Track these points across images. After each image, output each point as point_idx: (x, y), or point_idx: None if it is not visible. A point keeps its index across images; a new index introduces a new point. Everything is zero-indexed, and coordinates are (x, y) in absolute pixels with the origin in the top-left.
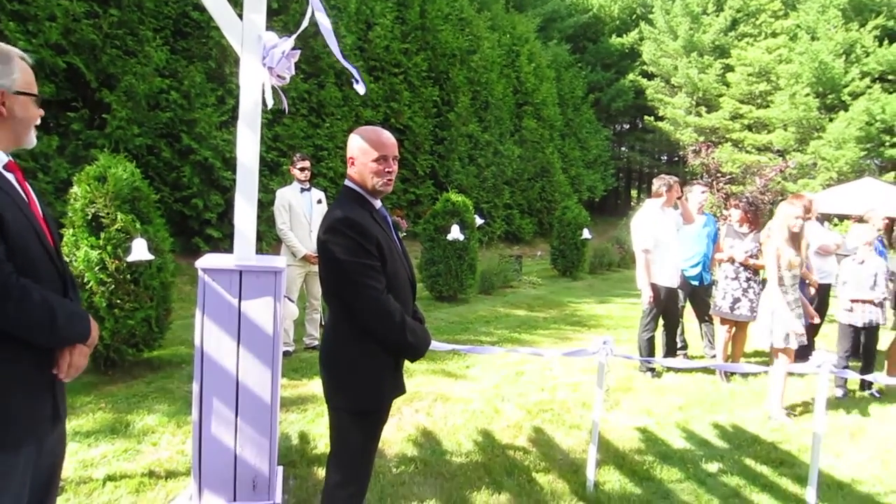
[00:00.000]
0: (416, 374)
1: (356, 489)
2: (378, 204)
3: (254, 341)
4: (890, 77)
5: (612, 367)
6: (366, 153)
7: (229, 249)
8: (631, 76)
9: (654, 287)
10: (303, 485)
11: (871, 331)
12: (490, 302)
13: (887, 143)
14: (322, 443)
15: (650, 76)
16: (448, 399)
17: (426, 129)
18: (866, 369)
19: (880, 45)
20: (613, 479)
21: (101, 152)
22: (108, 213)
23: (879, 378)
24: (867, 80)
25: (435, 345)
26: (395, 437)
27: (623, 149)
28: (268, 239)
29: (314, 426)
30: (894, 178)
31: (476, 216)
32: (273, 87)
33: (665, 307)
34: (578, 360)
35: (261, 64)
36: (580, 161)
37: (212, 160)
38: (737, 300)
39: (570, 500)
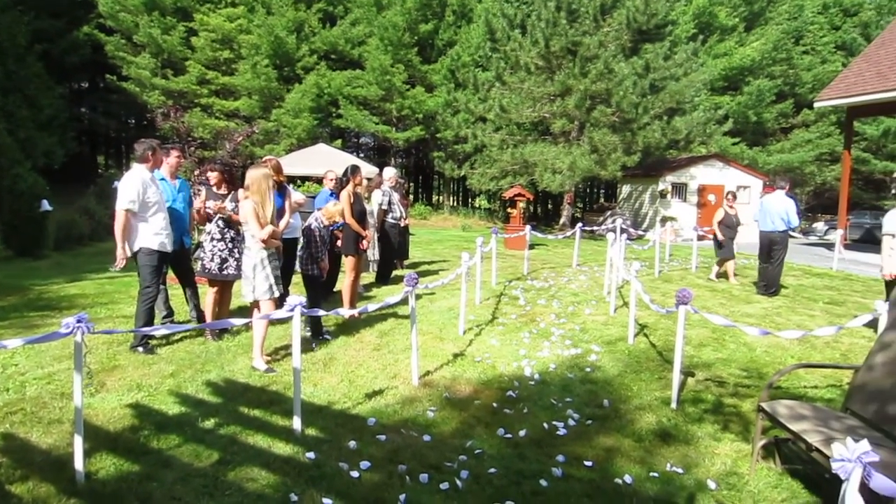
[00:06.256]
0: None
1: None
2: None
3: None
4: (333, 56)
5: (91, 347)
6: None
7: None
8: (87, 28)
9: (149, 252)
10: None
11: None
12: None
13: (334, 114)
14: None
15: (109, 31)
16: None
17: None
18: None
19: (324, 27)
20: (108, 464)
21: None
22: None
23: (342, 312)
24: (315, 57)
25: None
26: None
27: (84, 110)
28: None
29: None
30: (341, 143)
31: None
32: None
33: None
34: (51, 348)
35: None
36: (31, 122)
37: None
38: (224, 260)
39: (59, 500)
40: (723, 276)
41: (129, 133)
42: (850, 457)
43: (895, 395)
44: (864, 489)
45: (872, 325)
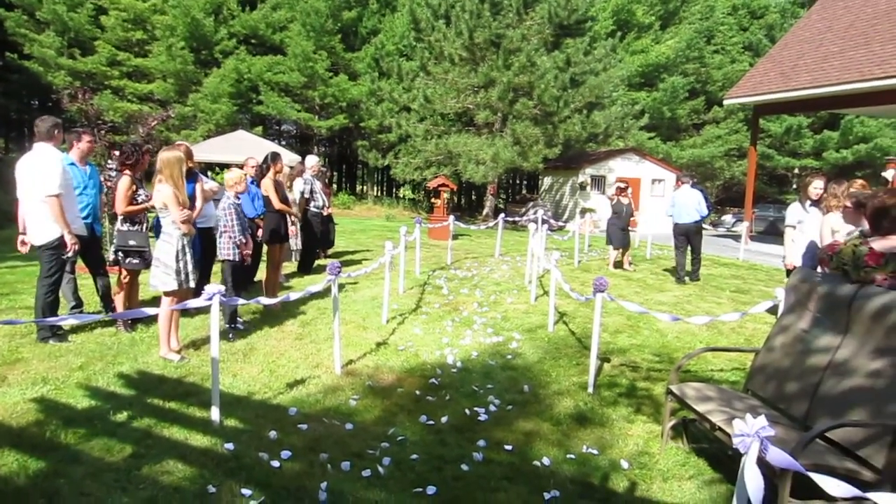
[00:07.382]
0: None
1: None
2: None
3: None
4: (253, 40)
5: None
6: None
7: None
8: None
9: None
10: None
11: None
12: None
13: (254, 100)
14: None
15: (10, 6)
16: None
17: None
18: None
19: (244, 10)
20: (10, 461)
21: None
22: None
23: (262, 301)
24: (235, 41)
25: None
26: None
27: None
28: None
29: None
30: (263, 130)
31: None
32: None
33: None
34: None
35: None
36: None
37: None
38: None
39: None
40: (619, 264)
41: (31, 115)
42: (749, 432)
43: (791, 376)
44: (762, 462)
45: (774, 310)
